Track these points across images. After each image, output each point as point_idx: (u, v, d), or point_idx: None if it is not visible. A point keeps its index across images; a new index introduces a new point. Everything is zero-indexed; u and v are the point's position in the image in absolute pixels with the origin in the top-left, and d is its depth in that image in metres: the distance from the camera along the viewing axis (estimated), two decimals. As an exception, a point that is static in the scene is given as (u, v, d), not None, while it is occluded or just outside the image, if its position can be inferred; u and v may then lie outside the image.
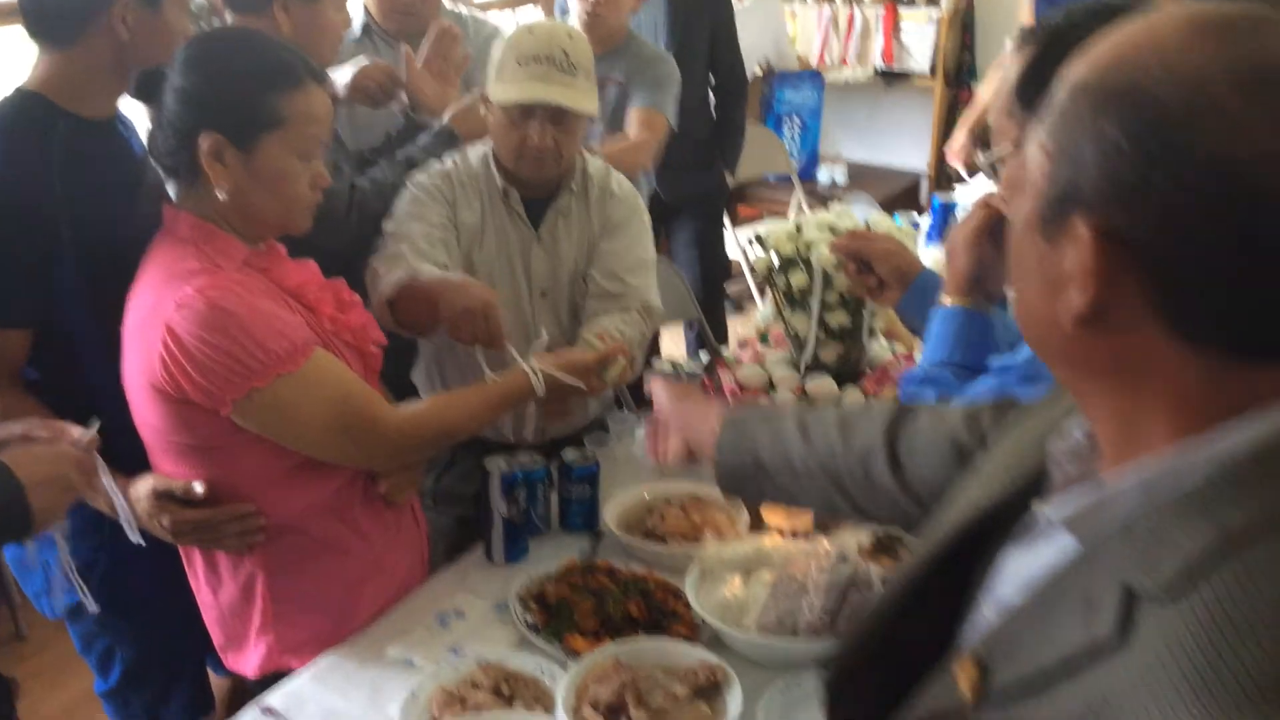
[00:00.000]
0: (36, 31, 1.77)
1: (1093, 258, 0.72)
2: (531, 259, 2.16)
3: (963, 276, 1.59)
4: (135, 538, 1.54)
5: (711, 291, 3.96)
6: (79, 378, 1.79)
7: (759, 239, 2.14)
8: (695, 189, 3.85)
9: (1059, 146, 0.74)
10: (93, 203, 1.72)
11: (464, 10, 2.83)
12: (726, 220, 4.27)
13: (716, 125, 3.92)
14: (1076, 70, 0.75)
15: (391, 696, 1.53)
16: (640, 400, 2.41)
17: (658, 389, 1.50)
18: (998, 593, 0.87)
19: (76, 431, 1.44)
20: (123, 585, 1.85)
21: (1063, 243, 0.74)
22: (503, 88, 2.06)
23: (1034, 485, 0.89)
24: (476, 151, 2.19)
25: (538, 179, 2.12)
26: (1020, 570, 0.85)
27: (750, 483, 1.36)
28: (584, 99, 2.06)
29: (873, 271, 1.77)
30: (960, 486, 1.02)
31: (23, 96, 1.76)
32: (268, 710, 1.54)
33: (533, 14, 4.60)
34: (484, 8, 4.27)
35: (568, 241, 2.18)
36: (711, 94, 3.90)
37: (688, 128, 3.54)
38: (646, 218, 2.27)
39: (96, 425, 1.45)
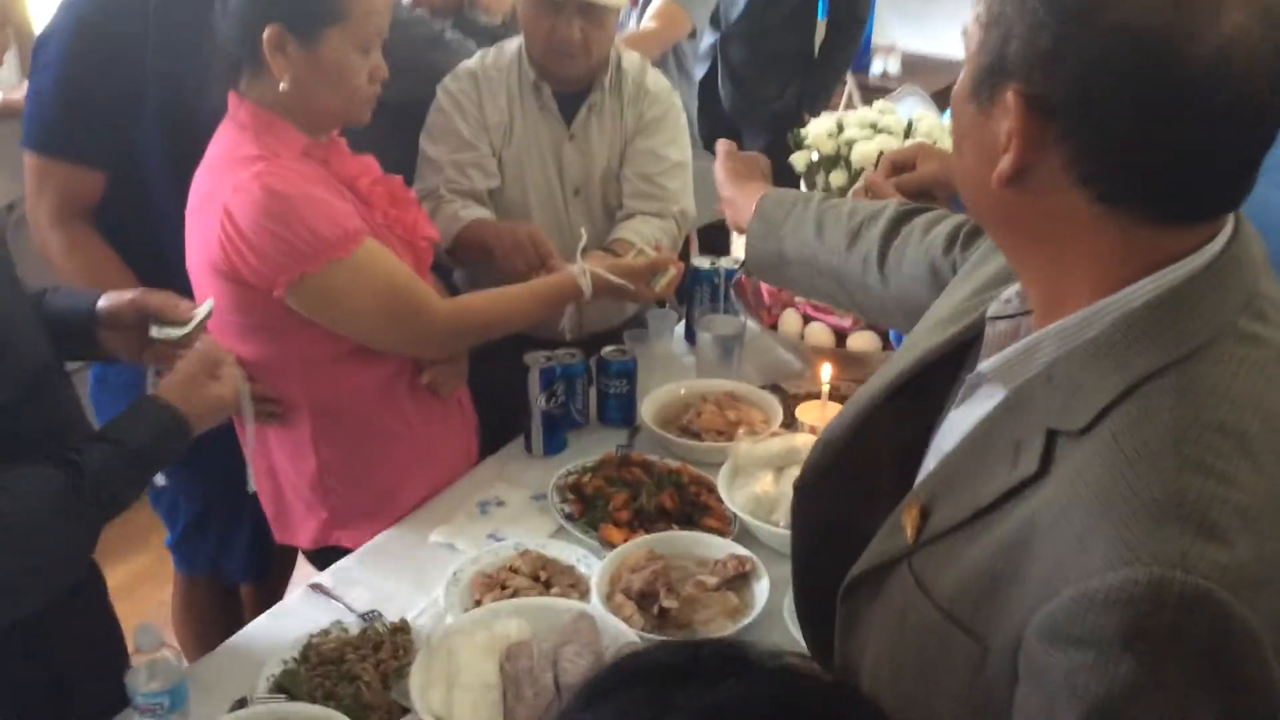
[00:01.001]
0: None
1: (1017, 122, 0.78)
2: (564, 156, 2.17)
3: None
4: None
5: None
6: (149, 231, 1.85)
7: (800, 136, 2.13)
8: (770, 109, 3.55)
9: (991, 18, 0.81)
10: (181, 58, 1.76)
11: None
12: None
13: (818, 60, 3.56)
14: None
15: (435, 578, 1.61)
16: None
17: (721, 155, 1.60)
18: (941, 447, 0.95)
19: (191, 306, 1.49)
20: None
21: (994, 111, 0.81)
22: None
23: (974, 342, 0.98)
24: (511, 44, 2.18)
25: (567, 73, 2.12)
26: (960, 424, 0.92)
27: (773, 271, 1.49)
28: None
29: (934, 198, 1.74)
30: (909, 338, 1.10)
31: None
32: (317, 586, 1.62)
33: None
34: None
35: (601, 138, 2.17)
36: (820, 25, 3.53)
37: (775, 46, 3.42)
38: (683, 117, 2.26)
39: (210, 306, 1.50)
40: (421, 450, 1.83)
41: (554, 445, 1.95)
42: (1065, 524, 0.74)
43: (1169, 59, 0.72)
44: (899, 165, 1.61)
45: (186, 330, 1.48)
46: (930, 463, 0.97)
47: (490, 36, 2.39)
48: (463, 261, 2.16)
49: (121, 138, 1.82)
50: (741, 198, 1.52)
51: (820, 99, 3.66)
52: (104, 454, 1.31)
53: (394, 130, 1.92)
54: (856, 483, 1.07)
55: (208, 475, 1.92)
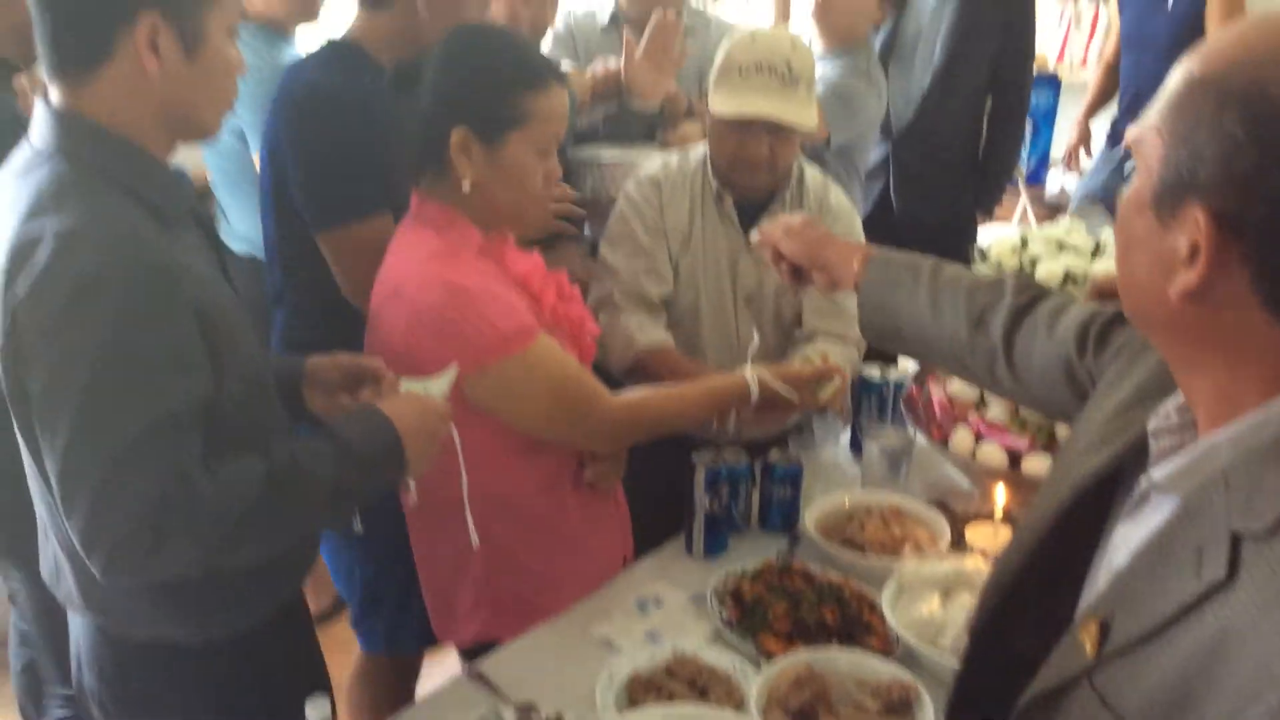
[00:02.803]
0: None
1: (1206, 240, 0.79)
2: (739, 265, 2.19)
3: None
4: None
5: None
6: None
7: (981, 250, 2.09)
8: (937, 218, 3.48)
9: (1175, 135, 0.81)
10: (392, 138, 1.86)
11: (707, 7, 2.87)
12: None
13: (982, 160, 3.53)
14: (1194, 64, 0.82)
15: (591, 674, 1.60)
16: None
17: (781, 233, 1.63)
18: (1112, 562, 0.94)
19: (385, 370, 1.57)
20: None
21: (1174, 224, 0.82)
22: (722, 98, 2.08)
23: (1133, 458, 0.97)
24: (696, 153, 2.23)
25: (751, 186, 2.15)
26: (1130, 539, 0.91)
27: (890, 342, 1.50)
28: (803, 112, 2.06)
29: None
30: (1062, 460, 1.10)
31: (341, 43, 1.99)
32: (477, 675, 1.63)
33: (765, 10, 4.60)
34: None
35: None
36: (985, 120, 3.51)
37: (945, 149, 3.41)
38: (863, 237, 2.26)
39: (454, 371, 1.55)
40: (579, 545, 1.84)
41: (715, 546, 1.93)
42: (1265, 626, 0.73)
43: None
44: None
45: (435, 381, 1.53)
46: (1100, 579, 0.96)
47: (647, 123, 2.46)
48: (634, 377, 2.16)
49: (391, 182, 1.92)
50: (834, 257, 1.54)
51: (994, 200, 3.62)
52: (314, 445, 1.38)
53: None
54: (1028, 612, 1.05)
55: (378, 554, 1.98)
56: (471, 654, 1.80)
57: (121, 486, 1.21)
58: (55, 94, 1.34)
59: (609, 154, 2.46)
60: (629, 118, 2.43)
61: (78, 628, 1.50)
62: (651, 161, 2.27)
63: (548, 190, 1.72)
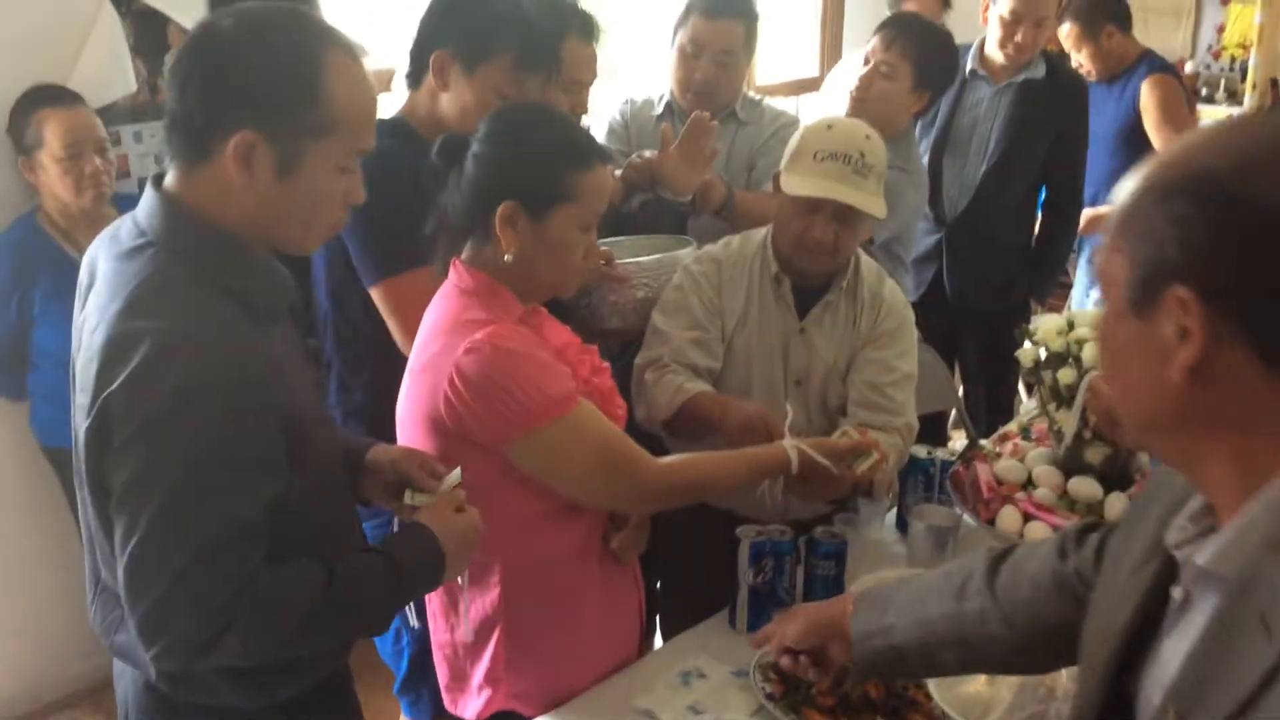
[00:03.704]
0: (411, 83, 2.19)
1: (1194, 318, 0.84)
2: (791, 347, 2.22)
3: None
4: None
5: (995, 414, 3.47)
6: None
7: (1028, 332, 2.11)
8: (993, 304, 3.50)
9: (1133, 240, 0.88)
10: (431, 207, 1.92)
11: (763, 100, 2.95)
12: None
13: (1035, 249, 3.58)
14: (1134, 182, 0.91)
15: (632, 745, 1.60)
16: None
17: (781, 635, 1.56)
18: (1166, 675, 0.93)
19: (443, 470, 1.62)
20: None
21: (1156, 315, 0.87)
22: (796, 179, 2.12)
23: (1158, 590, 0.98)
24: (757, 235, 2.27)
25: (812, 270, 2.18)
26: (1180, 647, 0.92)
27: (890, 669, 1.43)
28: (873, 201, 2.10)
29: None
30: (1090, 625, 1.11)
31: (389, 120, 2.13)
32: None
33: (812, 102, 4.70)
34: (768, 91, 4.41)
35: (830, 337, 2.21)
36: (1039, 210, 3.56)
37: (999, 237, 3.45)
38: (914, 331, 2.27)
39: (458, 474, 1.61)
40: (598, 623, 1.82)
41: (759, 622, 1.91)
42: None
43: None
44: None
45: (434, 498, 1.59)
46: (1155, 695, 0.95)
47: (678, 215, 2.51)
48: (677, 432, 2.19)
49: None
50: (824, 606, 1.54)
51: (1048, 288, 3.62)
52: (367, 562, 1.44)
53: None
54: None
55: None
56: None
57: (189, 590, 1.27)
58: (169, 176, 1.39)
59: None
60: (663, 206, 2.49)
61: (126, 679, 1.53)
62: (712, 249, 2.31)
63: (586, 264, 1.76)
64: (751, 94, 2.92)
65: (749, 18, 2.77)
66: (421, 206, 1.88)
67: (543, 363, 1.64)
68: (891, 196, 2.88)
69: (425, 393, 1.67)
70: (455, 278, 1.73)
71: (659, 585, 2.58)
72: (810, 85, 4.94)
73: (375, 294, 2.06)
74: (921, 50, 2.89)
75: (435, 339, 1.68)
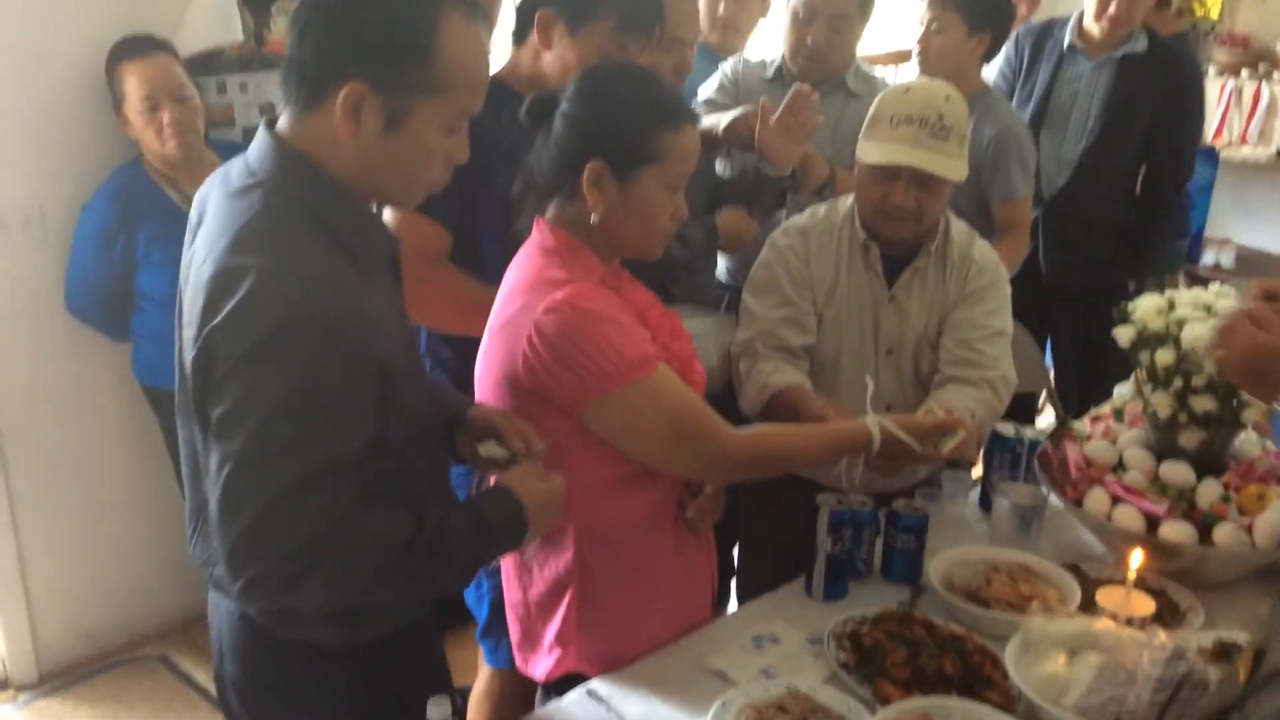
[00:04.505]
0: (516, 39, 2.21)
1: None
2: (881, 316, 2.19)
3: None
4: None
5: (1086, 396, 3.31)
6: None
7: (1126, 311, 2.06)
8: (1089, 284, 3.45)
9: None
10: (517, 163, 1.92)
11: (875, 72, 2.91)
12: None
13: (1136, 228, 3.49)
14: None
15: (704, 704, 1.60)
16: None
17: None
18: None
19: (538, 443, 1.63)
20: None
21: None
22: (872, 146, 2.10)
23: None
24: (844, 203, 2.25)
25: (896, 237, 2.15)
26: None
27: None
28: (953, 164, 2.06)
29: None
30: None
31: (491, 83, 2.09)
32: (593, 694, 1.66)
33: (912, 72, 4.60)
34: (870, 60, 4.33)
35: (920, 303, 2.18)
36: (1139, 186, 3.47)
37: (1098, 216, 3.38)
38: (1007, 289, 2.24)
39: (545, 447, 1.62)
40: (671, 589, 1.83)
41: (835, 590, 1.92)
42: None
43: None
44: (1272, 294, 1.53)
45: (510, 455, 1.61)
46: None
47: (778, 189, 2.47)
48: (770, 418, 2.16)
49: (469, 205, 2.01)
50: None
51: (1147, 270, 3.51)
52: (457, 517, 1.47)
53: None
54: None
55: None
56: (551, 688, 1.80)
57: (278, 521, 1.29)
58: (282, 119, 1.41)
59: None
60: (762, 181, 2.46)
61: (221, 612, 1.57)
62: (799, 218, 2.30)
63: (673, 226, 1.74)
64: (864, 65, 2.89)
65: None
66: (479, 173, 1.89)
67: (623, 324, 1.64)
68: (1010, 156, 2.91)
69: (504, 350, 1.67)
70: (538, 236, 1.73)
71: (737, 550, 2.58)
72: (909, 56, 4.84)
73: (388, 217, 2.03)
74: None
75: (516, 297, 1.67)
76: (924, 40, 3.00)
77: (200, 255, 1.37)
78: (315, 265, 1.33)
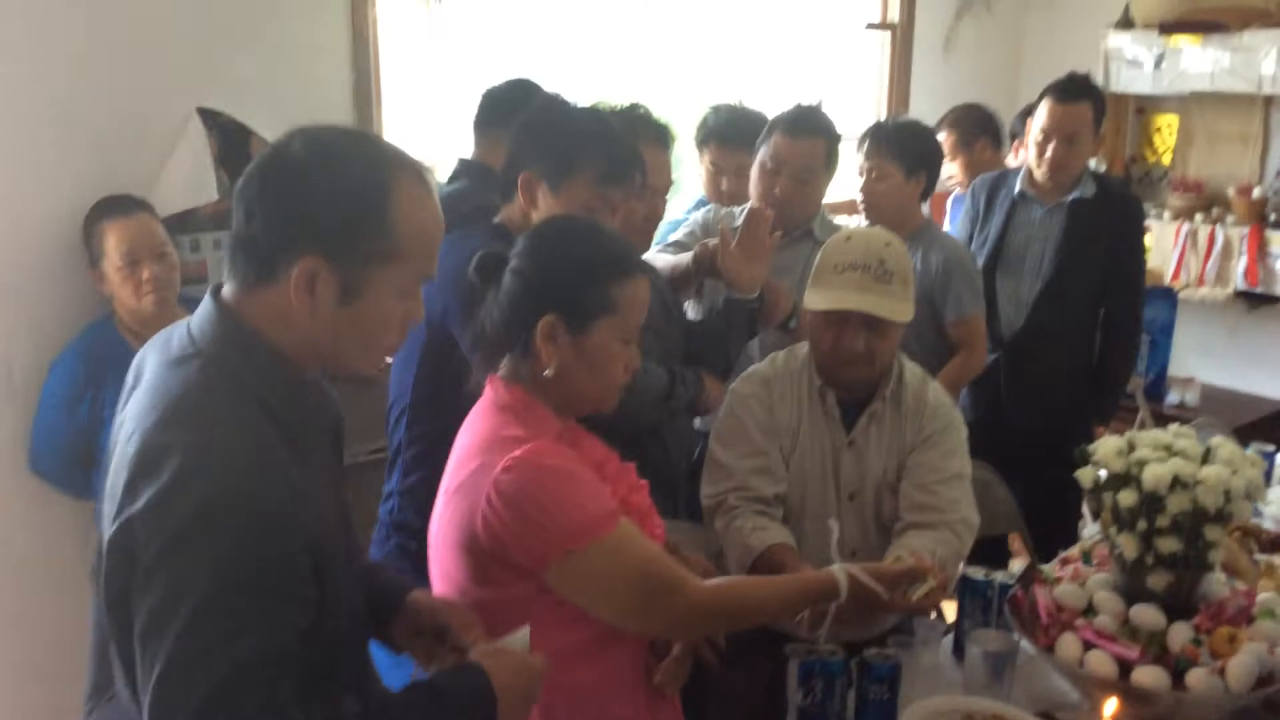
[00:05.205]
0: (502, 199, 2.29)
1: None
2: (841, 462, 2.20)
3: None
4: None
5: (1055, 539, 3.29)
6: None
7: (1087, 452, 2.07)
8: (1049, 426, 3.41)
9: None
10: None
11: (839, 222, 3.03)
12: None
13: (1096, 369, 3.55)
14: None
15: None
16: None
17: None
18: None
19: (477, 625, 1.56)
20: None
21: None
22: (818, 294, 2.15)
23: None
24: (801, 350, 2.28)
25: (851, 381, 2.18)
26: None
27: None
28: (898, 305, 2.11)
29: None
30: None
31: (498, 227, 2.24)
32: None
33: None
34: (832, 209, 4.45)
35: (878, 447, 2.20)
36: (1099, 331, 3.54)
37: (1057, 357, 3.44)
38: (963, 431, 2.27)
39: (527, 632, 1.54)
40: None
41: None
42: None
43: None
44: None
45: (510, 640, 1.51)
46: None
47: (747, 314, 2.52)
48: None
49: None
50: None
51: (1110, 410, 3.58)
52: (407, 698, 1.36)
53: None
54: None
55: None
56: None
57: None
58: (228, 287, 1.38)
59: None
60: (732, 309, 2.50)
61: None
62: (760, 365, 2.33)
63: (627, 377, 1.73)
64: (828, 215, 2.98)
65: (830, 137, 2.86)
66: None
67: (583, 480, 1.62)
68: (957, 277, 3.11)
69: (462, 512, 1.62)
70: (492, 394, 1.71)
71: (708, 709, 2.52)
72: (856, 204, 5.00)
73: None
74: (899, 145, 3.17)
75: (472, 457, 1.64)
76: (867, 187, 3.21)
77: (129, 427, 1.33)
78: (244, 445, 1.28)
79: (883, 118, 4.16)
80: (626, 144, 2.22)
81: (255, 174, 1.36)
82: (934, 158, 3.31)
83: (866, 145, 3.22)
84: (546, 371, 1.66)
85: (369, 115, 3.39)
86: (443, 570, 1.69)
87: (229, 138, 3.11)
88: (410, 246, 1.37)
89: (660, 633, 1.75)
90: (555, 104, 2.35)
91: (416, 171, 1.40)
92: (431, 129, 3.64)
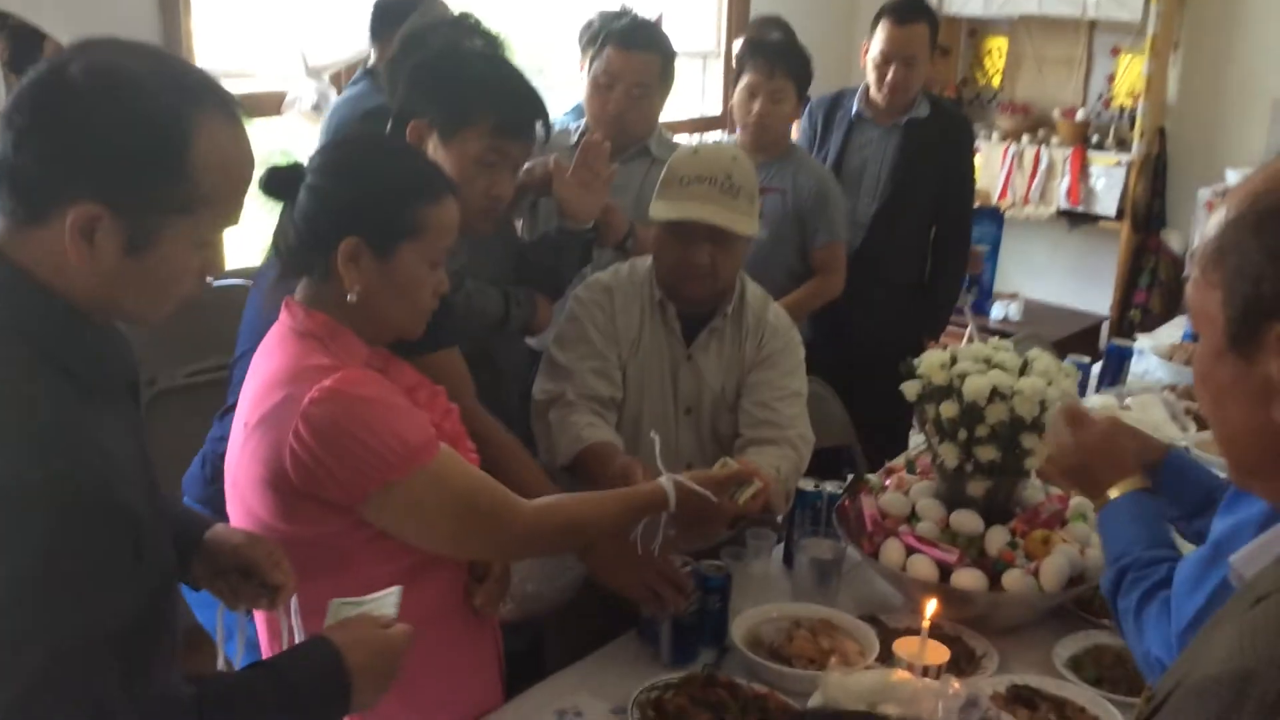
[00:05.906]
0: None
1: None
2: (680, 375, 2.20)
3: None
4: None
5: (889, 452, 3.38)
6: None
7: (911, 366, 2.12)
8: (886, 340, 3.38)
9: (1228, 272, 0.85)
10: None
11: (682, 138, 2.97)
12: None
13: (928, 286, 3.66)
14: (1220, 212, 0.88)
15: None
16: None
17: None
18: None
19: (285, 564, 1.45)
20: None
21: (1258, 354, 0.85)
22: (663, 205, 2.12)
23: None
24: (644, 262, 2.26)
25: (694, 297, 2.17)
26: None
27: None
28: (744, 220, 2.10)
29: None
30: None
31: None
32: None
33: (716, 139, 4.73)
34: (671, 128, 4.41)
35: (717, 363, 2.21)
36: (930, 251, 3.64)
37: (892, 274, 3.51)
38: (801, 351, 2.29)
39: (398, 593, 1.43)
40: (464, 675, 1.74)
41: (685, 655, 1.90)
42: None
43: None
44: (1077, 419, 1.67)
45: (376, 602, 1.41)
46: None
47: (582, 244, 2.47)
48: (577, 476, 2.11)
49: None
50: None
51: (940, 325, 3.69)
52: (246, 683, 1.27)
53: None
54: None
55: None
56: None
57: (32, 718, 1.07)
58: None
59: None
60: (565, 238, 2.43)
61: None
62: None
63: (434, 301, 1.65)
64: (665, 133, 2.93)
65: (665, 52, 2.78)
66: None
67: (399, 408, 1.54)
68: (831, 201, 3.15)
69: (266, 446, 1.51)
70: (290, 320, 1.59)
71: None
72: (713, 124, 4.98)
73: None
74: (798, 66, 3.17)
75: (275, 389, 1.52)
76: (765, 109, 3.14)
77: None
78: (41, 411, 1.11)
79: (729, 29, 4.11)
80: (528, 93, 2.08)
81: (26, 97, 1.14)
82: (810, 79, 3.30)
83: (764, 63, 3.15)
84: (350, 296, 1.56)
85: (175, 24, 3.13)
86: (245, 508, 1.59)
87: (20, 41, 2.88)
88: (213, 194, 1.19)
89: (488, 555, 1.72)
90: (452, 48, 2.18)
91: (225, 104, 1.21)
92: (250, 42, 3.42)
